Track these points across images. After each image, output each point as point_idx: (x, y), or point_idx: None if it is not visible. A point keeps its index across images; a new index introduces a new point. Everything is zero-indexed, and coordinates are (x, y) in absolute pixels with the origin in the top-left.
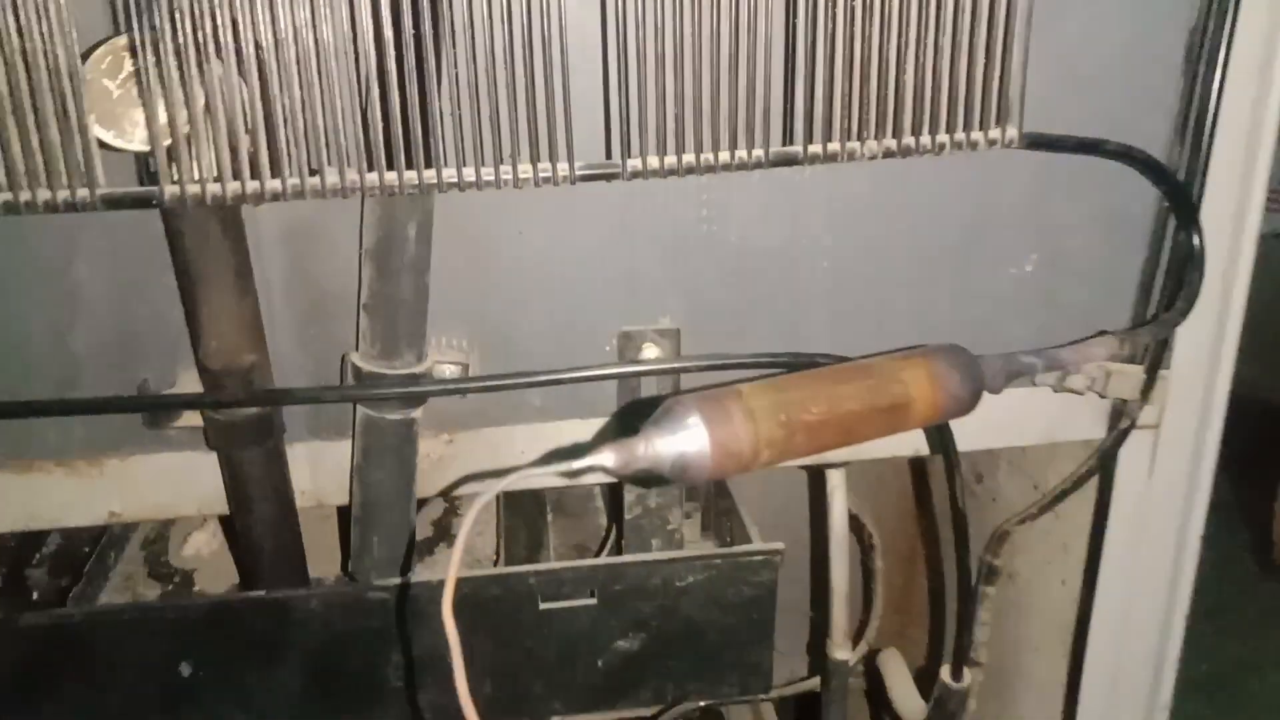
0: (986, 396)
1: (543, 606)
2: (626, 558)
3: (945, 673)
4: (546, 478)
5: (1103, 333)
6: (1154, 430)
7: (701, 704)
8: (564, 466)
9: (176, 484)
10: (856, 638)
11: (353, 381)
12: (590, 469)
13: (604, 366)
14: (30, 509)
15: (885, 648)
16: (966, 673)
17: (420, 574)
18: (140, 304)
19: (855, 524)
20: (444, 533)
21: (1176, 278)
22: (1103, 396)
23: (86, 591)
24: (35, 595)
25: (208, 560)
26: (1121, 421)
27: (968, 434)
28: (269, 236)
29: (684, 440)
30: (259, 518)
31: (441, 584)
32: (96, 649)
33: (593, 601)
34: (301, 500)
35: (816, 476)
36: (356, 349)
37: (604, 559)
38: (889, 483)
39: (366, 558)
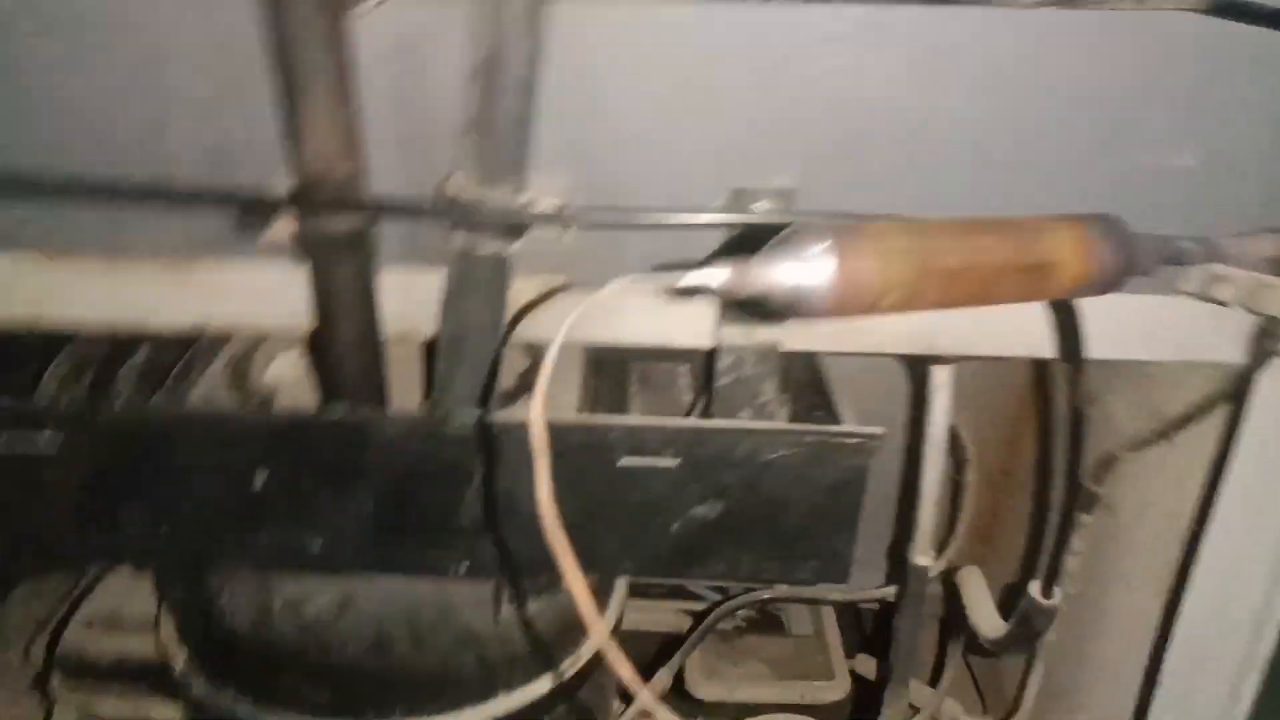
0: (1115, 303)
1: (622, 462)
2: (714, 422)
3: (1034, 588)
4: (638, 333)
5: (1271, 229)
6: None
7: (765, 597)
8: (669, 279)
9: (265, 296)
10: (938, 552)
11: (449, 207)
12: (699, 287)
13: (713, 214)
14: (119, 305)
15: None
16: (1057, 590)
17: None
18: (238, 109)
19: (951, 436)
20: (527, 386)
21: None
22: (1250, 311)
23: (167, 400)
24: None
25: (290, 385)
26: (1266, 343)
27: (1092, 340)
28: (375, 50)
29: (807, 267)
30: (343, 336)
31: (523, 425)
32: (171, 451)
33: (675, 463)
34: (389, 327)
35: (919, 379)
36: (456, 175)
37: (691, 420)
38: (989, 397)
39: (449, 391)
